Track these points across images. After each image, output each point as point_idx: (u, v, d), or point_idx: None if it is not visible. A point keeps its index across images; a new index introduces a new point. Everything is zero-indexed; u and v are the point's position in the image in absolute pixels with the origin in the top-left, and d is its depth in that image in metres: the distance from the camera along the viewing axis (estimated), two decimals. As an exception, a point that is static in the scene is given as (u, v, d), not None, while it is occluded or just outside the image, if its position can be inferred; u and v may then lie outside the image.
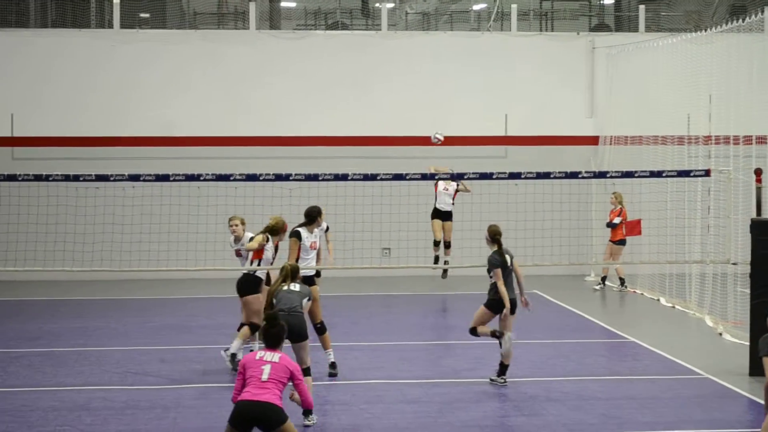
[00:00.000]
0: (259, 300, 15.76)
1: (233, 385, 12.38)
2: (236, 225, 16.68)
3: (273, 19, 29.26)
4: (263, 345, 10.58)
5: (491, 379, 15.44)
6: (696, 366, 16.44)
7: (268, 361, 10.21)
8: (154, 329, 19.84)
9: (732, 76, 20.58)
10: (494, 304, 15.44)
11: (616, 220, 24.24)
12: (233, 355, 15.77)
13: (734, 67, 20.64)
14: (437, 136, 22.12)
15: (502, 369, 15.44)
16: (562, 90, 27.65)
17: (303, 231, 16.07)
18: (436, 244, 22.47)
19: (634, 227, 23.96)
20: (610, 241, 24.46)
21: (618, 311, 22.49)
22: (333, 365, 15.95)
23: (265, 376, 10.10)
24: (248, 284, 16.10)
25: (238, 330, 16.07)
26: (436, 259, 22.57)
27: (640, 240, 23.24)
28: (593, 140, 27.25)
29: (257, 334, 15.71)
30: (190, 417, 13.64)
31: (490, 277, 15.48)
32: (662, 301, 22.99)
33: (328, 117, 27.10)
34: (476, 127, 27.19)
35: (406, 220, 23.60)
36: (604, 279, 24.99)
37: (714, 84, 20.95)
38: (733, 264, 18.34)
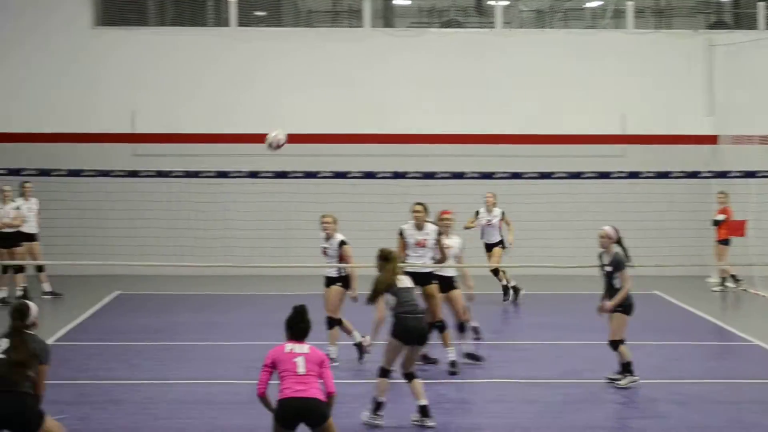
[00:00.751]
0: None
1: (359, 381, 12.54)
2: (328, 223, 16.53)
3: (387, 16, 29.34)
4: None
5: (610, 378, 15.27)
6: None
7: (299, 353, 10.02)
8: (277, 324, 19.90)
9: None
10: (630, 309, 15.32)
11: (719, 217, 23.93)
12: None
13: None
14: (275, 138, 17.48)
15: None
16: (680, 88, 27.31)
17: (408, 228, 16.18)
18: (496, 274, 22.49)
19: (738, 228, 23.66)
20: (716, 240, 24.13)
21: (741, 313, 22.18)
22: (453, 364, 15.96)
23: (302, 370, 9.90)
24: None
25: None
26: (505, 290, 22.54)
27: (762, 240, 22.85)
28: (712, 139, 26.88)
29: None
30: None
31: (614, 277, 15.20)
32: (786, 302, 22.66)
33: (442, 115, 27.08)
34: (593, 126, 26.98)
35: (525, 219, 23.50)
36: (724, 280, 24.64)
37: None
38: None
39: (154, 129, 26.67)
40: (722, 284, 24.56)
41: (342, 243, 16.41)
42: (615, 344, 15.12)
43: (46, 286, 22.80)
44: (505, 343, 18.27)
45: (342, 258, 16.38)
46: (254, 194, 21.97)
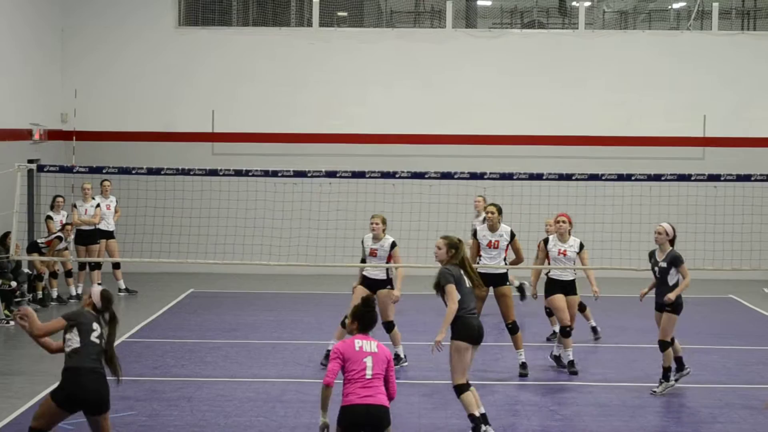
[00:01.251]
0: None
1: (432, 381, 12.52)
2: (377, 224, 16.29)
3: (469, 17, 29.28)
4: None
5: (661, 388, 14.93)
6: None
7: (369, 352, 9.78)
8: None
9: None
10: (680, 309, 14.97)
11: None
12: None
13: None
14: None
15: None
16: (764, 90, 26.97)
17: (480, 228, 16.28)
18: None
19: None
20: None
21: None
22: (524, 365, 15.90)
23: (369, 373, 9.69)
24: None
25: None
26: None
27: None
28: (796, 142, 26.54)
29: None
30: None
31: (669, 274, 14.79)
32: None
33: (524, 115, 27.00)
34: (673, 128, 26.75)
35: (602, 221, 23.33)
36: None
37: None
38: None
39: (233, 128, 26.90)
40: None
41: (393, 244, 16.20)
42: (665, 345, 14.82)
43: (121, 284, 23.11)
44: (576, 346, 18.12)
45: (390, 260, 16.25)
46: (332, 194, 22.01)
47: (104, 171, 19.35)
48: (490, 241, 16.02)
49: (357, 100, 27.18)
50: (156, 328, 19.58)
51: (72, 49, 27.21)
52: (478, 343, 12.36)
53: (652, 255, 15.07)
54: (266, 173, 18.74)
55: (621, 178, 19.10)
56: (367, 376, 9.67)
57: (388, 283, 16.23)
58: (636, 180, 19.11)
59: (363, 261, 16.31)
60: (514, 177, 18.56)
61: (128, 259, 22.11)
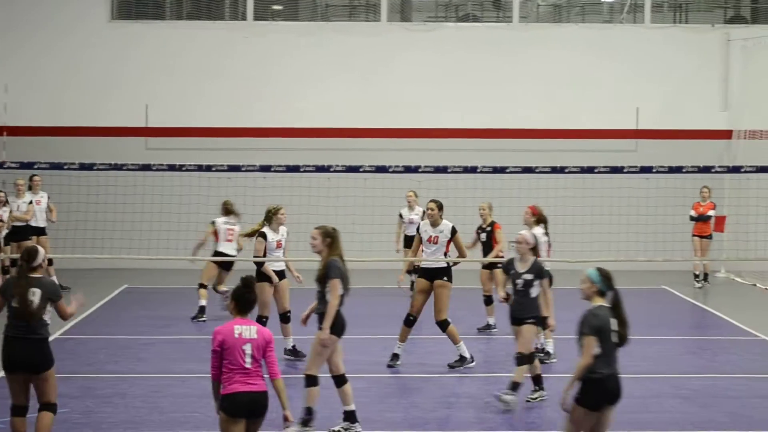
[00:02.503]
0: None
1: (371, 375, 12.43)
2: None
3: (404, 11, 29.32)
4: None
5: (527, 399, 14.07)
6: (830, 366, 16.10)
7: (248, 338, 9.78)
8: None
9: None
10: (540, 321, 14.15)
11: (711, 212, 23.82)
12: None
13: None
14: None
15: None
16: (696, 83, 27.24)
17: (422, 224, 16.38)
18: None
19: (721, 223, 23.57)
20: (700, 236, 23.91)
21: (749, 308, 22.07)
22: (461, 359, 15.98)
23: (249, 361, 9.71)
24: None
25: None
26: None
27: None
28: (726, 134, 26.79)
29: None
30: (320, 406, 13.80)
31: (532, 285, 13.89)
32: (796, 298, 22.58)
33: (458, 109, 27.09)
34: (606, 121, 26.95)
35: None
36: (706, 276, 24.45)
37: None
38: None
39: (167, 123, 26.75)
40: (705, 279, 24.40)
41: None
42: (523, 359, 13.72)
43: (54, 280, 22.86)
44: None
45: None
46: (266, 188, 21.94)
47: (35, 166, 19.10)
48: (431, 237, 16.03)
49: (292, 95, 27.12)
50: (89, 324, 19.39)
51: (2, 44, 26.93)
52: (341, 336, 12.41)
53: (510, 265, 13.98)
54: (200, 168, 18.68)
55: (554, 170, 19.18)
56: (247, 365, 9.71)
57: (445, 273, 16.00)
58: (569, 173, 19.22)
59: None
60: (449, 170, 18.61)
61: (61, 255, 21.88)
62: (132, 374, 15.37)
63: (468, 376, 15.52)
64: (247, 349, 9.74)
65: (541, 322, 14.05)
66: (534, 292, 13.76)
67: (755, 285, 24.45)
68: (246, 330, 9.82)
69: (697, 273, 24.28)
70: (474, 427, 12.90)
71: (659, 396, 14.35)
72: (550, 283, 14.15)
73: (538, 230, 16.47)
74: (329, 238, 12.32)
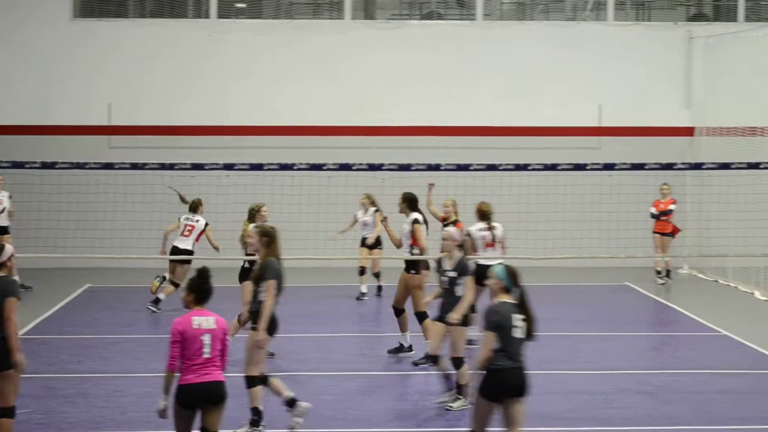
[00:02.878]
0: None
1: (352, 373, 12.50)
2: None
3: (368, 8, 29.30)
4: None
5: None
6: (791, 361, 16.22)
7: (206, 329, 9.86)
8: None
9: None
10: (468, 320, 13.80)
11: (672, 207, 23.94)
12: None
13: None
14: None
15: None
16: (658, 80, 27.34)
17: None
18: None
19: (674, 231, 23.71)
20: (661, 233, 24.02)
21: (711, 304, 22.22)
22: (428, 357, 16.02)
23: (207, 350, 9.80)
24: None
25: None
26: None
27: (736, 232, 22.91)
28: (689, 131, 26.91)
29: None
30: (276, 404, 13.79)
31: (457, 284, 13.59)
32: (756, 294, 22.69)
33: (423, 107, 27.08)
34: (570, 118, 27.02)
35: (500, 211, 23.44)
36: (668, 272, 24.57)
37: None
38: (832, 258, 18.04)
39: (130, 121, 26.64)
40: (667, 275, 24.52)
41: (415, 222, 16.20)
42: (459, 362, 13.40)
43: (16, 279, 22.65)
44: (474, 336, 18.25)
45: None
46: (229, 186, 21.91)
47: (-4, 166, 19.04)
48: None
49: (255, 92, 27.04)
50: (52, 324, 19.29)
51: (-37, 43, 26.78)
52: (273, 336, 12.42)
53: (439, 262, 13.75)
54: (162, 166, 18.60)
55: (518, 167, 19.23)
56: (205, 355, 9.81)
57: (412, 266, 16.19)
58: (533, 170, 19.27)
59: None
60: (412, 168, 18.62)
61: (23, 255, 21.67)
62: (95, 374, 15.30)
63: (434, 374, 15.53)
64: (206, 339, 9.82)
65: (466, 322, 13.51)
66: (459, 290, 13.38)
67: (717, 281, 24.60)
68: (204, 321, 9.90)
69: (659, 270, 24.39)
70: (439, 424, 12.93)
71: (622, 392, 14.41)
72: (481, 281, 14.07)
73: (477, 226, 16.84)
74: (267, 237, 12.29)
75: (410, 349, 16.30)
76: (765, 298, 22.21)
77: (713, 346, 17.78)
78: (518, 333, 10.19)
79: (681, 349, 17.64)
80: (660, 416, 13.22)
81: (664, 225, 24.00)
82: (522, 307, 10.25)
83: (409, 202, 16.29)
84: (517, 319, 10.18)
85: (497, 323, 10.14)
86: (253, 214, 16.63)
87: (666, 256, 23.95)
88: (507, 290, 10.25)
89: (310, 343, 16.97)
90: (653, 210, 23.95)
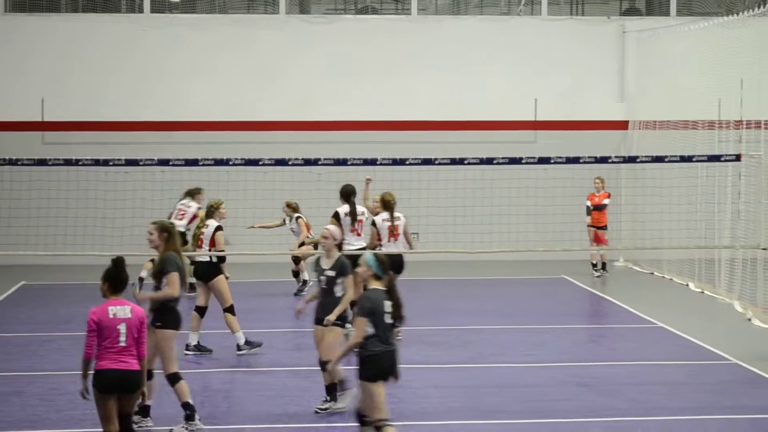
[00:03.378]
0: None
1: (262, 369, 12.51)
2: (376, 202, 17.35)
3: (303, 3, 29.25)
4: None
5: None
6: (725, 351, 16.35)
7: (122, 318, 10.07)
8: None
9: (763, 59, 20.43)
10: (345, 321, 13.19)
11: (606, 201, 24.13)
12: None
13: (765, 51, 20.48)
14: None
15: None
16: (592, 74, 27.52)
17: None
18: None
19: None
20: (597, 226, 24.20)
21: (646, 296, 22.41)
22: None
23: (123, 339, 10.02)
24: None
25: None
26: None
27: (670, 225, 23.13)
28: (623, 125, 27.12)
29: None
30: (217, 400, 13.75)
31: (336, 283, 12.88)
32: (691, 286, 22.91)
33: (358, 101, 27.06)
34: (505, 112, 27.12)
35: (435, 205, 23.62)
36: (604, 265, 24.77)
37: (745, 68, 20.79)
38: (763, 249, 18.25)
39: (64, 117, 26.39)
40: (603, 268, 24.71)
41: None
42: (326, 365, 12.69)
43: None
44: (412, 329, 18.27)
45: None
46: (165, 182, 21.76)
47: (-74, 162, 18.75)
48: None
49: (190, 88, 26.87)
50: (-16, 322, 19.11)
51: None
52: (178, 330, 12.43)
53: (317, 261, 13.20)
54: (97, 162, 18.39)
55: (454, 162, 19.22)
56: (121, 343, 10.02)
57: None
58: (469, 164, 19.30)
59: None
60: (349, 162, 18.58)
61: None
62: (30, 372, 15.15)
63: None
64: (122, 328, 10.05)
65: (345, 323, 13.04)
66: (338, 290, 12.77)
67: (653, 273, 24.81)
68: (120, 310, 10.12)
69: (594, 262, 24.56)
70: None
71: (560, 384, 14.50)
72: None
73: (381, 216, 17.26)
74: (166, 232, 12.28)
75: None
76: (699, 290, 22.42)
77: (649, 337, 17.94)
78: (389, 318, 10.56)
79: (617, 341, 17.78)
80: (596, 408, 13.31)
81: (599, 218, 24.17)
82: (391, 293, 10.58)
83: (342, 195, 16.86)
84: (388, 305, 10.54)
85: (370, 309, 10.49)
86: (212, 211, 16.63)
87: (602, 248, 24.12)
88: (377, 277, 10.58)
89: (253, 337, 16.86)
90: (588, 203, 24.11)
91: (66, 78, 26.64)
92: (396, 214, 17.42)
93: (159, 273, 12.12)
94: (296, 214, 21.44)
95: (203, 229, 16.54)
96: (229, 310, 16.26)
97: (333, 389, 13.03)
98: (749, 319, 19.10)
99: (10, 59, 26.64)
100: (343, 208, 17.29)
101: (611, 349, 17.18)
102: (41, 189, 22.95)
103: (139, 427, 12.05)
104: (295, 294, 21.76)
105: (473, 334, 18.09)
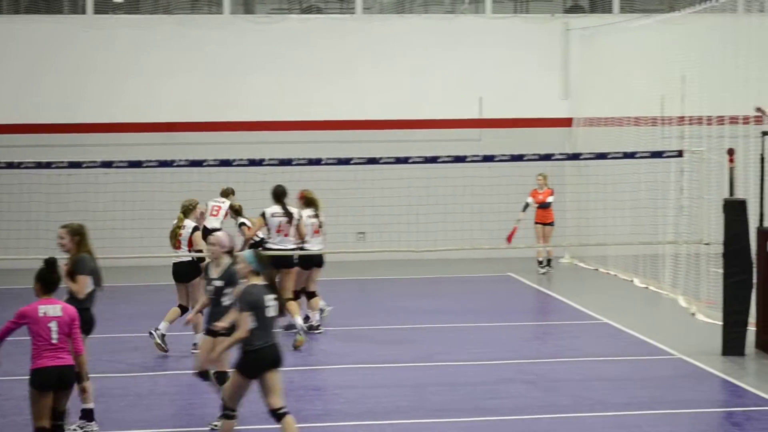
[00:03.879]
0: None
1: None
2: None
3: (247, 3, 29.16)
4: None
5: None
6: (669, 346, 16.49)
7: (53, 316, 10.36)
8: (127, 317, 19.75)
9: (705, 56, 20.60)
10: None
11: (550, 199, 24.23)
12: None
13: (707, 48, 20.66)
14: None
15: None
16: (537, 72, 27.62)
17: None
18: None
19: (511, 235, 23.99)
20: (542, 223, 24.32)
21: (592, 292, 22.55)
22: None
23: (55, 337, 10.32)
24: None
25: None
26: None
27: (614, 221, 23.27)
28: (567, 122, 27.26)
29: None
30: (163, 404, 13.66)
31: (224, 294, 12.32)
32: (636, 282, 23.06)
33: (303, 101, 27.03)
34: (451, 110, 27.18)
35: (380, 204, 23.66)
36: (549, 261, 24.90)
37: (687, 65, 20.95)
38: (706, 244, 18.37)
39: (4, 119, 26.16)
40: (548, 264, 24.83)
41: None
42: (223, 377, 12.09)
43: None
44: (359, 329, 18.31)
45: None
46: (108, 185, 21.63)
47: None
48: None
49: (134, 89, 26.73)
50: None
51: None
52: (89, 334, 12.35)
53: (206, 269, 12.77)
54: (39, 165, 18.23)
55: (399, 161, 19.20)
56: (54, 341, 10.31)
57: None
58: (413, 163, 19.30)
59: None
60: (294, 162, 18.53)
61: None
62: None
63: (308, 369, 15.53)
64: (53, 326, 10.33)
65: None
66: (226, 300, 12.18)
67: (597, 270, 24.95)
68: (51, 308, 10.41)
69: (540, 259, 24.68)
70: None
71: (505, 381, 14.54)
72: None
73: (306, 212, 17.66)
74: (78, 235, 12.23)
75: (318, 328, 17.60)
76: (644, 285, 22.58)
77: (594, 333, 18.04)
78: (271, 312, 10.75)
79: (563, 338, 17.86)
80: (542, 404, 13.37)
81: (544, 215, 24.28)
82: (271, 287, 10.80)
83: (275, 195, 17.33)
84: (269, 299, 10.73)
85: (253, 303, 10.67)
86: (189, 211, 16.95)
87: (547, 246, 24.22)
88: (257, 273, 10.78)
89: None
90: (530, 200, 24.18)
91: (7, 79, 26.45)
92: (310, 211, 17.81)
93: (71, 273, 12.07)
94: (241, 219, 20.97)
95: (181, 230, 16.66)
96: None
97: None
98: (693, 314, 19.26)
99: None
100: (271, 209, 17.33)
101: (556, 345, 17.26)
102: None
103: (84, 431, 11.98)
104: None
105: (420, 333, 18.11)
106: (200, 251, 16.30)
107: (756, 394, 13.79)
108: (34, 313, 10.31)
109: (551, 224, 24.30)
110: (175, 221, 16.94)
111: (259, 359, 10.72)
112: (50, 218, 20.18)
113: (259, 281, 10.84)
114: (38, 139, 25.73)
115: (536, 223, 24.28)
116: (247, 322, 10.61)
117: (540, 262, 24.62)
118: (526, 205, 24.08)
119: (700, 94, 20.61)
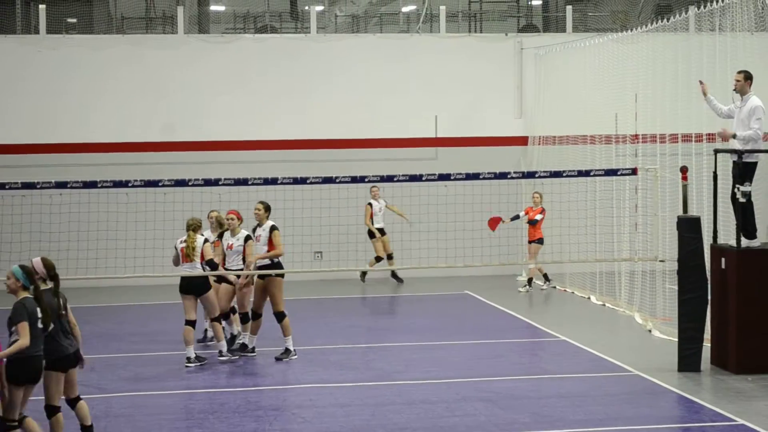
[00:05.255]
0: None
1: (164, 392, 12.42)
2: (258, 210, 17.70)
3: (202, 23, 29.11)
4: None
5: None
6: (626, 363, 16.56)
7: None
8: (83, 337, 19.53)
9: (657, 75, 20.79)
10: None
11: (538, 217, 24.30)
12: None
13: (659, 66, 20.84)
14: None
15: None
16: (492, 91, 27.68)
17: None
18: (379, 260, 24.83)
19: (495, 223, 23.97)
20: (530, 241, 24.43)
21: (548, 310, 22.63)
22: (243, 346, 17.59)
23: None
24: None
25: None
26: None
27: (569, 239, 23.36)
28: (522, 140, 27.35)
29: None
30: (120, 426, 13.56)
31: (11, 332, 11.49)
32: (592, 299, 23.15)
33: (258, 121, 26.94)
34: (406, 129, 27.17)
35: (337, 224, 23.67)
36: (530, 281, 25.00)
37: (640, 83, 21.12)
38: (661, 261, 18.50)
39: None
40: (529, 284, 24.90)
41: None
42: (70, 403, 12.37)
43: None
44: (316, 348, 18.26)
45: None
46: (63, 205, 21.47)
47: None
48: (230, 244, 17.70)
49: (88, 109, 26.51)
50: None
51: None
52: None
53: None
54: (-1, 187, 18.08)
55: (354, 180, 19.24)
56: None
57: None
58: (369, 182, 19.37)
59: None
60: (250, 182, 18.49)
61: None
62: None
63: (269, 389, 15.49)
64: None
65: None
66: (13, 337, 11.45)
67: (555, 287, 25.01)
68: None
69: (540, 275, 24.78)
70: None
71: (463, 400, 14.54)
72: None
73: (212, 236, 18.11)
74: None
75: (253, 350, 17.55)
76: (601, 303, 22.67)
77: (551, 351, 18.10)
78: (40, 323, 11.36)
79: (521, 355, 17.90)
80: (501, 422, 13.38)
81: (532, 232, 24.31)
82: (39, 302, 11.34)
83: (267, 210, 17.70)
84: (39, 312, 11.34)
85: (28, 315, 11.25)
86: (198, 227, 17.48)
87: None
88: (26, 288, 11.36)
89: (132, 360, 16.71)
90: (521, 213, 24.29)
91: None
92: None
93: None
94: (202, 237, 20.40)
95: (195, 244, 17.24)
96: (218, 319, 17.30)
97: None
98: (649, 331, 19.35)
99: None
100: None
101: (514, 363, 17.28)
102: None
103: None
104: None
105: (376, 352, 18.11)
106: (211, 261, 17.13)
107: (712, 409, 13.87)
108: None
109: (537, 242, 24.21)
110: (183, 239, 17.46)
111: (27, 368, 11.36)
112: (3, 239, 20.08)
113: (28, 294, 11.41)
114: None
115: (530, 242, 24.31)
116: (28, 332, 11.17)
117: (546, 276, 24.72)
118: (516, 216, 24.17)
119: (653, 112, 20.78)
